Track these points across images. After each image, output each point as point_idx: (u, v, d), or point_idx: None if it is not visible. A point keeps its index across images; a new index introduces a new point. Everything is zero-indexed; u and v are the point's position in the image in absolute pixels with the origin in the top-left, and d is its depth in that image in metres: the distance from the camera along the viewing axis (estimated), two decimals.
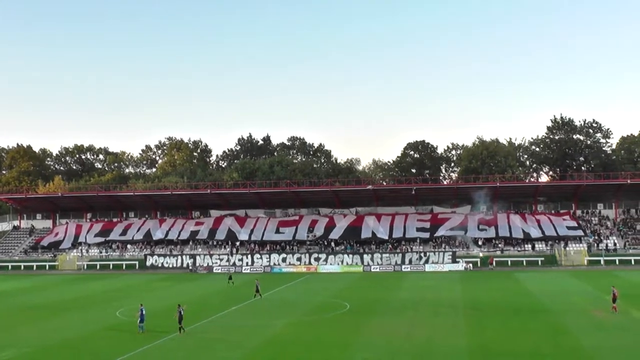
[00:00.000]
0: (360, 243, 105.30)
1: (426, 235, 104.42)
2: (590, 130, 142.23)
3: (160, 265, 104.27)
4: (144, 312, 44.07)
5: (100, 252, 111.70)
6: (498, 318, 47.61)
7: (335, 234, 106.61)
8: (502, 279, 78.73)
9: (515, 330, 42.56)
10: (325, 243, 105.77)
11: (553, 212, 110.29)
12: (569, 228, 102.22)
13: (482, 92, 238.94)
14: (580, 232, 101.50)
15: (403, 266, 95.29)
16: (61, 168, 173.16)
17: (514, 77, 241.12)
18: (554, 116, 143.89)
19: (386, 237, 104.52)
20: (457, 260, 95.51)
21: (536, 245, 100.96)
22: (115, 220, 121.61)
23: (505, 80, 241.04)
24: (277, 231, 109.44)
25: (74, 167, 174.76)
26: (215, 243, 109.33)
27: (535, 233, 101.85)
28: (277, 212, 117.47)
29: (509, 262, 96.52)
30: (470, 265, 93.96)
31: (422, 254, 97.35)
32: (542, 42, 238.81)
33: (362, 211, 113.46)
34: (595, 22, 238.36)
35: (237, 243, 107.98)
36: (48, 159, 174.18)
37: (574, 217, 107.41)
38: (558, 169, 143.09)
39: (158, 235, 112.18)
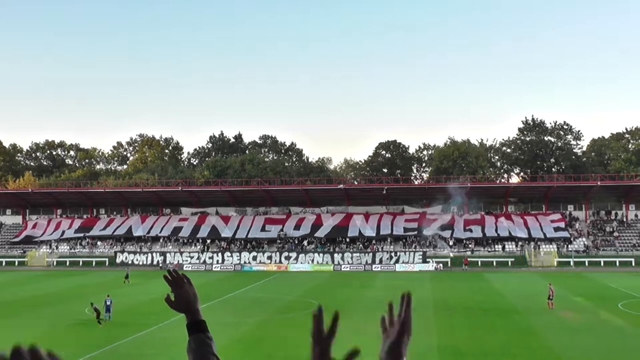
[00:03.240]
0: (347, 242, 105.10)
1: (414, 234, 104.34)
2: (561, 132, 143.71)
3: (130, 262, 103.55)
4: (107, 302, 46.16)
5: (71, 249, 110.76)
6: (468, 318, 47.92)
7: (322, 232, 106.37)
8: (472, 279, 79.18)
9: (485, 329, 42.88)
10: (296, 241, 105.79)
11: (544, 212, 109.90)
12: (556, 229, 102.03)
13: (454, 93, 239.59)
14: (566, 234, 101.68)
15: (373, 266, 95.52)
16: (31, 164, 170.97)
17: (486, 78, 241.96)
18: (525, 117, 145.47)
19: (374, 236, 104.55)
20: (428, 260, 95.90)
21: (506, 246, 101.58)
22: (94, 216, 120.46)
23: (477, 81, 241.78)
24: (263, 229, 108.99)
25: (45, 163, 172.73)
26: (185, 240, 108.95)
27: (521, 234, 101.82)
28: (248, 210, 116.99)
29: (479, 263, 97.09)
30: (441, 265, 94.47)
31: (392, 254, 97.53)
32: (514, 43, 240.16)
33: (333, 210, 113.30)
34: (567, 23, 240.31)
35: (208, 241, 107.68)
36: (18, 154, 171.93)
37: (564, 217, 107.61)
38: (529, 170, 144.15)
39: (139, 231, 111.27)
